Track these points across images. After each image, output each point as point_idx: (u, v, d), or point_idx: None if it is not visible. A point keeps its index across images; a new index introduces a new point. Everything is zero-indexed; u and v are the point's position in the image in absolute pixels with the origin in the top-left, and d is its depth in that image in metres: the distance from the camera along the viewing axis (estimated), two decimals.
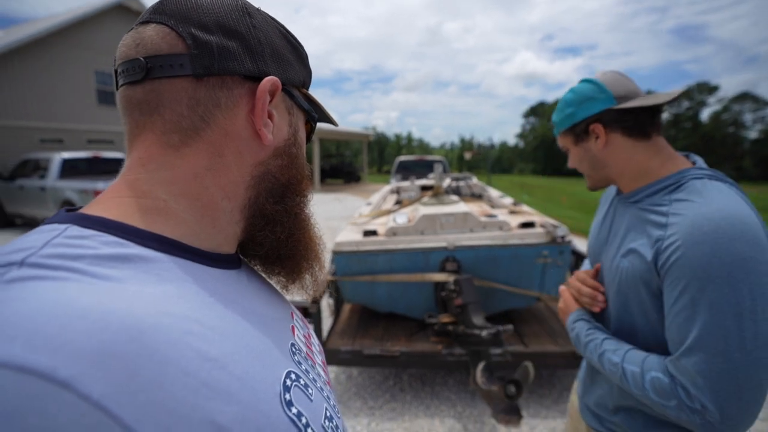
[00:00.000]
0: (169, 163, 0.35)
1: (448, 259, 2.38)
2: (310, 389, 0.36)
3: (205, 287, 0.33)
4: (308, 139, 0.47)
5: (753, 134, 29.19)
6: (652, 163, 0.78)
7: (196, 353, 0.26)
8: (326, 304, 3.21)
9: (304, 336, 0.46)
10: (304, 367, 0.38)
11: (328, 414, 0.37)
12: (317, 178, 17.04)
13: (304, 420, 0.32)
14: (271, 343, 0.35)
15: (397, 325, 2.62)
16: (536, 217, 2.77)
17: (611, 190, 0.94)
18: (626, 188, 0.83)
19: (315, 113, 0.46)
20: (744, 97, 29.68)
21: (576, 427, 1.04)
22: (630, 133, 0.78)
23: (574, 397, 1.05)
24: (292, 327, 0.44)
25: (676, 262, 0.65)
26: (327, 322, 3.06)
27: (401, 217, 2.69)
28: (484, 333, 1.81)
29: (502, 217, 2.56)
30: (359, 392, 2.47)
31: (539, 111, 41.07)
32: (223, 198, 0.37)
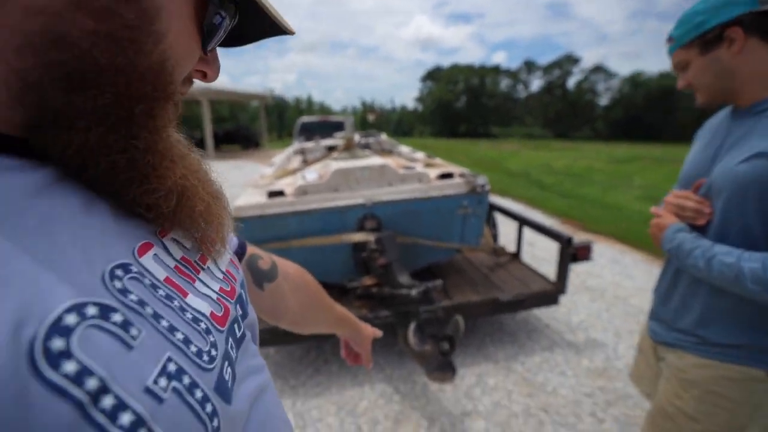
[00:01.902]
0: None
1: (367, 216, 2.18)
2: (136, 329, 0.25)
3: None
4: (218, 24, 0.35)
5: (604, 101, 34.35)
6: None
7: None
8: None
9: (187, 261, 0.36)
10: (135, 298, 0.27)
11: (172, 369, 0.26)
12: (210, 144, 15.36)
13: (92, 383, 0.21)
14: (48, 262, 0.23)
15: None
16: (453, 167, 2.69)
17: (712, 121, 0.94)
18: (749, 100, 0.81)
19: None
20: (598, 69, 34.73)
21: (647, 359, 1.09)
22: None
23: (645, 334, 1.10)
24: (142, 246, 0.31)
25: None
26: None
27: (311, 174, 2.38)
28: (413, 292, 1.67)
29: (420, 169, 2.42)
30: (278, 372, 2.21)
31: (435, 75, 42.35)
32: None
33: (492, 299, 2.19)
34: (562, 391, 1.97)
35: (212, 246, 0.41)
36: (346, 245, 2.19)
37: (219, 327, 0.34)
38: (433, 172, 2.47)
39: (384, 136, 4.50)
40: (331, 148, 4.04)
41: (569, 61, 36.76)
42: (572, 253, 2.22)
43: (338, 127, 7.12)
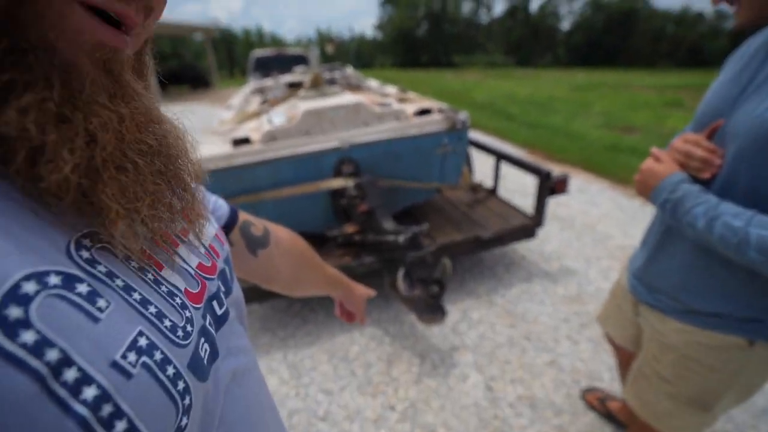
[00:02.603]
0: None
1: (344, 160, 2.05)
2: (104, 301, 0.24)
3: None
4: None
5: (566, 26, 33.72)
6: None
7: None
8: None
9: (164, 234, 0.32)
10: (104, 269, 0.26)
11: (143, 343, 0.25)
12: (154, 86, 13.95)
13: (53, 354, 0.20)
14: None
15: None
16: (429, 102, 2.55)
17: (749, 44, 0.76)
18: None
19: None
20: None
21: (619, 304, 1.09)
22: None
23: (622, 277, 1.09)
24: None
25: None
26: None
27: (278, 117, 2.18)
28: (401, 238, 1.62)
29: (396, 105, 2.26)
30: (265, 325, 2.19)
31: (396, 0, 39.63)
32: None
33: (474, 237, 2.20)
34: (542, 319, 2.08)
35: (195, 217, 0.39)
36: (324, 193, 2.08)
37: (194, 304, 0.33)
38: (409, 108, 2.32)
39: (350, 70, 4.19)
40: (293, 85, 3.71)
41: None
42: (550, 187, 2.23)
43: (296, 60, 6.57)
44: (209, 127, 2.69)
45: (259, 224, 0.64)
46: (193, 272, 0.35)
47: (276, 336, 2.10)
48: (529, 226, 2.33)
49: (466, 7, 38.30)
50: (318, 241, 2.28)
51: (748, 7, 0.69)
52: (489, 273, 2.51)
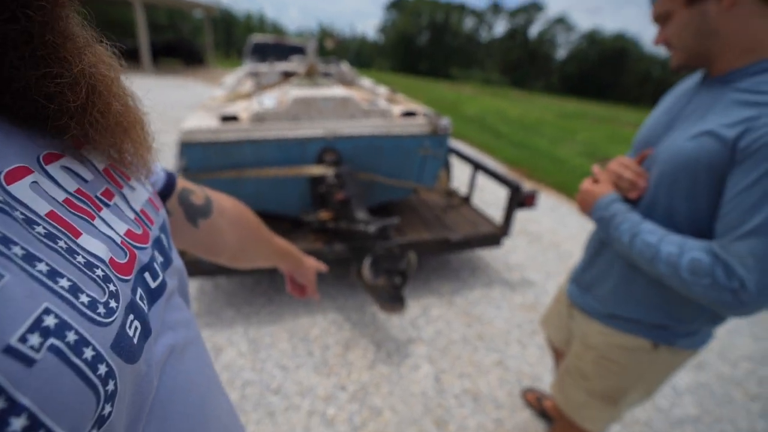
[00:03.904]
0: None
1: (327, 149, 2.12)
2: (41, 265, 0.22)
3: None
4: None
5: (562, 55, 34.81)
6: None
7: None
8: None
9: (83, 195, 0.30)
10: (41, 231, 0.24)
11: (51, 323, 0.22)
12: (147, 57, 13.62)
13: None
14: None
15: (268, 226, 2.34)
16: (416, 106, 2.65)
17: (685, 83, 0.88)
18: (724, 68, 0.75)
19: None
20: (560, 21, 34.59)
21: (559, 309, 1.21)
22: None
23: (564, 283, 1.20)
24: (13, 171, 0.25)
25: (764, 146, 0.63)
26: None
27: (269, 100, 2.24)
28: (371, 228, 1.71)
29: (383, 104, 2.36)
30: (230, 300, 2.23)
31: (401, 5, 39.94)
32: None
33: (443, 239, 2.30)
34: (497, 322, 2.20)
35: (129, 169, 0.36)
36: (304, 178, 2.15)
37: (121, 276, 0.29)
38: (396, 109, 2.42)
39: (346, 66, 4.26)
40: (287, 74, 3.77)
41: (534, 8, 36.21)
42: (520, 200, 2.36)
43: (294, 51, 6.59)
44: (201, 103, 2.72)
45: (200, 192, 0.59)
46: (119, 240, 0.31)
47: (240, 312, 2.14)
48: (497, 234, 2.45)
49: (469, 23, 38.98)
50: (292, 224, 2.34)
51: (680, 54, 0.78)
52: (453, 275, 2.61)
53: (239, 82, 3.53)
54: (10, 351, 0.19)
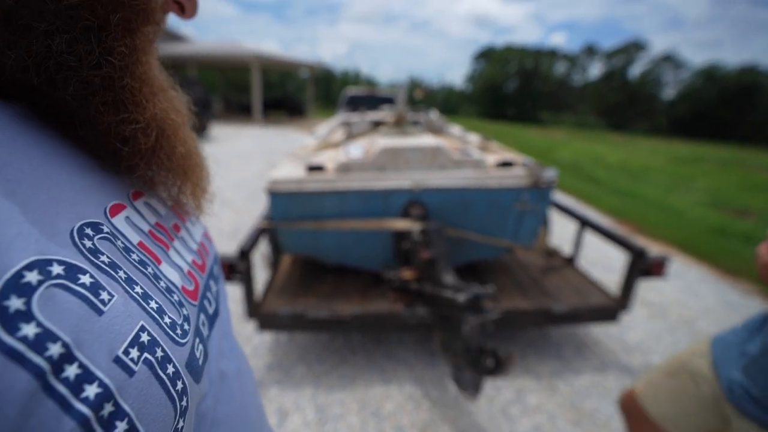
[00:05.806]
0: None
1: (413, 202, 1.97)
2: (108, 294, 0.23)
3: None
4: None
5: (670, 94, 31.68)
6: None
7: None
8: (260, 254, 2.72)
9: (161, 227, 0.34)
10: (107, 260, 0.25)
11: (146, 339, 0.24)
12: (258, 110, 15.57)
13: (55, 349, 0.19)
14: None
15: (347, 281, 2.22)
16: (513, 155, 2.41)
17: None
18: None
19: None
20: (667, 58, 31.70)
21: (702, 392, 0.90)
22: None
23: (696, 363, 0.93)
24: (114, 206, 0.29)
25: None
26: (262, 277, 2.60)
27: (356, 150, 2.18)
28: (461, 297, 1.46)
29: (476, 153, 2.16)
30: (303, 356, 2.10)
31: (489, 55, 40.54)
32: None
33: (544, 309, 1.95)
34: (615, 424, 1.73)
35: (191, 204, 0.39)
36: (387, 232, 2.00)
37: (191, 301, 0.32)
38: (490, 158, 2.20)
39: (435, 114, 4.20)
40: (377, 123, 3.81)
41: (635, 47, 33.94)
42: (644, 268, 1.93)
43: (384, 101, 6.84)
44: (291, 151, 2.81)
45: None
46: (186, 269, 0.34)
47: (311, 370, 1.99)
48: (612, 307, 2.02)
49: (560, 67, 37.89)
50: (372, 280, 2.18)
51: None
52: (554, 351, 2.20)
53: (331, 132, 3.63)
54: (118, 361, 0.22)
